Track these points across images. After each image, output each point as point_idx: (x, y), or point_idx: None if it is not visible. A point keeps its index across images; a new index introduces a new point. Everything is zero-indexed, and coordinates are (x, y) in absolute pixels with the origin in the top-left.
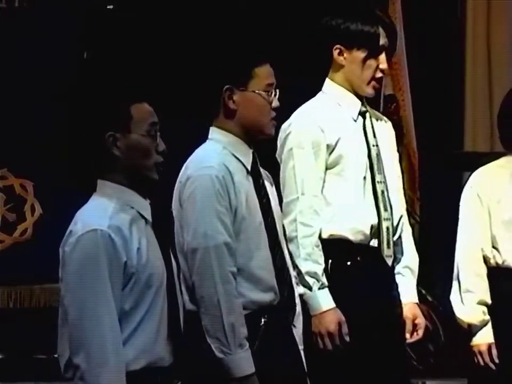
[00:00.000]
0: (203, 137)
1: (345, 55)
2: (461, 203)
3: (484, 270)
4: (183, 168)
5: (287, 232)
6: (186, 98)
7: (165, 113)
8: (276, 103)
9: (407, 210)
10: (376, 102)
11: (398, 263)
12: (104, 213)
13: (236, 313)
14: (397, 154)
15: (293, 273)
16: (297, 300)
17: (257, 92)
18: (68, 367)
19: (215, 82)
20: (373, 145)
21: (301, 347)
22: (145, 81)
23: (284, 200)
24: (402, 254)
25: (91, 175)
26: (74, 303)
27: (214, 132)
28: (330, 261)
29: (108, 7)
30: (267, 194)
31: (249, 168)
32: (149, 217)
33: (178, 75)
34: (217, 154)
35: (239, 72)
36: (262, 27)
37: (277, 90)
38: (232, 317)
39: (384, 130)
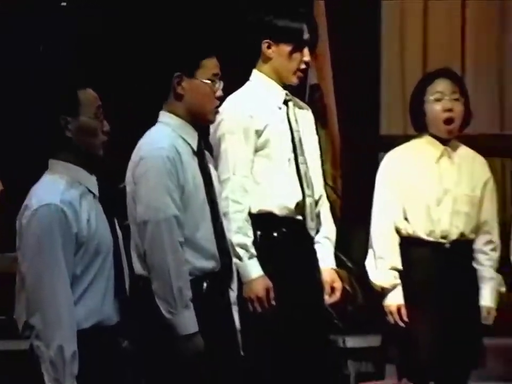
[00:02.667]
0: (143, 120)
1: (273, 48)
2: (376, 180)
3: (395, 240)
4: (136, 148)
5: (222, 208)
6: (138, 84)
7: (115, 97)
8: (219, 92)
9: (331, 186)
10: (302, 91)
11: (318, 233)
12: (56, 188)
13: (183, 278)
14: (316, 138)
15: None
16: (234, 267)
17: (203, 80)
18: (25, 327)
19: (167, 69)
20: (296, 131)
21: (236, 307)
22: (92, 68)
23: (221, 179)
24: (321, 226)
25: (45, 154)
26: (31, 270)
27: (163, 116)
28: (259, 232)
29: (62, 4)
30: (210, 173)
31: (195, 148)
32: (96, 192)
33: (131, 62)
34: (167, 136)
35: (189, 61)
36: (210, 24)
37: (221, 81)
38: (180, 282)
39: (305, 117)
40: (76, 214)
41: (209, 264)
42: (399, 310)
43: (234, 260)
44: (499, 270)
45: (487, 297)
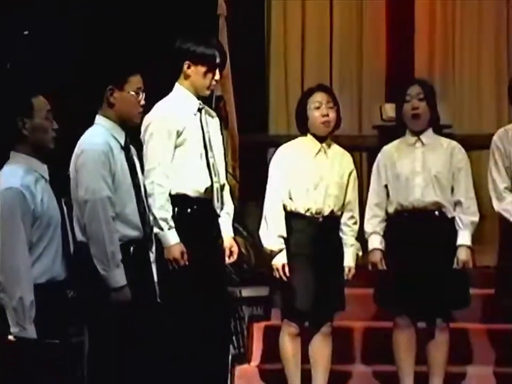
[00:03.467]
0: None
1: (192, 68)
2: (269, 168)
3: (282, 214)
4: (78, 144)
5: (147, 190)
6: (80, 93)
7: (62, 103)
8: (142, 102)
9: (231, 174)
10: (210, 100)
11: (221, 210)
12: (17, 175)
13: (115, 244)
14: (221, 138)
15: (151, 218)
16: (153, 235)
17: (130, 92)
18: None
19: (102, 83)
20: (206, 132)
21: (154, 265)
22: (42, 80)
23: (146, 168)
24: (224, 205)
25: (7, 148)
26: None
27: (99, 119)
28: (176, 209)
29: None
30: (134, 163)
31: (123, 144)
32: (47, 177)
33: (73, 77)
34: (102, 135)
35: (119, 78)
36: (137, 47)
37: (144, 93)
38: (112, 247)
39: (213, 122)
40: (32, 195)
41: (134, 233)
42: (283, 267)
43: (157, 230)
44: (357, 238)
45: (349, 259)
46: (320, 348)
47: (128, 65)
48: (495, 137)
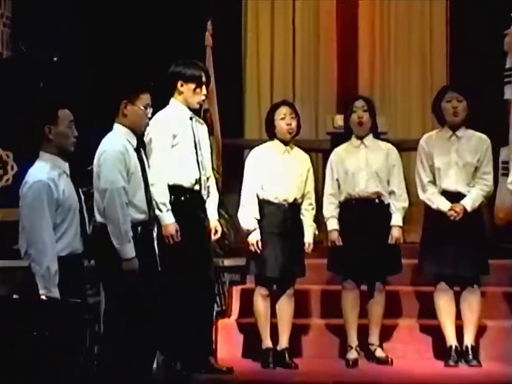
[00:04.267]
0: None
1: (184, 86)
2: (245, 165)
3: (256, 201)
4: (100, 144)
5: (150, 181)
6: (101, 106)
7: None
8: (149, 115)
9: (215, 169)
10: (199, 112)
11: (208, 197)
12: (44, 170)
13: (127, 224)
14: (208, 141)
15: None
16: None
17: (140, 107)
18: (25, 254)
19: (119, 98)
20: (196, 136)
21: (156, 241)
22: (67, 96)
23: (149, 163)
24: (210, 193)
25: (38, 149)
26: (28, 220)
27: (116, 126)
28: (172, 196)
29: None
30: (144, 162)
31: (135, 146)
32: (68, 172)
33: (98, 91)
34: (119, 138)
35: (132, 95)
36: (146, 71)
37: (151, 108)
38: (125, 226)
39: (202, 128)
40: (56, 186)
41: (142, 216)
42: (257, 243)
43: (158, 212)
44: (314, 220)
45: (308, 236)
46: (285, 306)
47: (139, 86)
48: (421, 141)
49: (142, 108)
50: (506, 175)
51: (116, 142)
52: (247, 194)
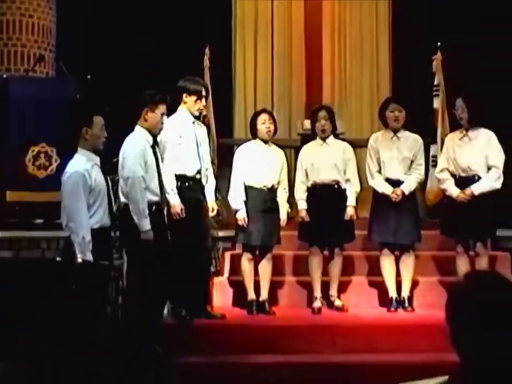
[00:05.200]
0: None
1: (188, 98)
2: (234, 159)
3: (242, 187)
4: (125, 142)
5: (162, 171)
6: (126, 112)
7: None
8: (164, 122)
9: (212, 162)
10: (199, 117)
11: (206, 184)
12: (80, 163)
13: (145, 204)
14: (207, 140)
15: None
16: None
17: (158, 114)
18: (66, 227)
19: (142, 107)
20: (197, 136)
21: (165, 217)
22: (101, 105)
23: (163, 157)
24: (208, 180)
25: (76, 146)
26: (68, 201)
27: (138, 128)
28: (178, 183)
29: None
30: (158, 156)
31: (151, 144)
32: (99, 164)
33: (122, 102)
34: (139, 138)
35: (152, 105)
36: (163, 88)
37: (166, 115)
38: (143, 205)
39: (202, 130)
40: (89, 175)
41: (155, 198)
42: (243, 219)
43: (167, 194)
44: (288, 201)
45: (283, 214)
46: (265, 267)
47: (159, 98)
48: (370, 140)
49: (160, 115)
50: (435, 166)
51: (137, 140)
52: (235, 181)
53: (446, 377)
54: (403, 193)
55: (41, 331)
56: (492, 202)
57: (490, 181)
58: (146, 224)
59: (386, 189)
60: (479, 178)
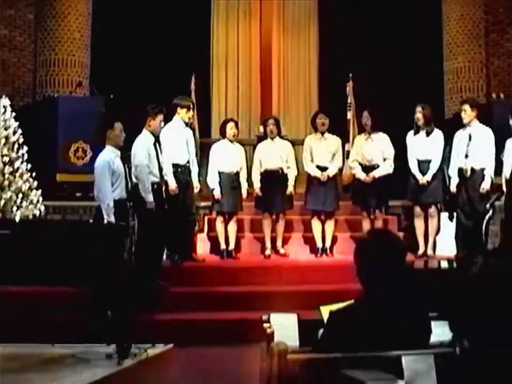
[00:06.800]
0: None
1: (180, 110)
2: (210, 152)
3: (217, 172)
4: (135, 141)
5: (162, 160)
6: (136, 119)
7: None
8: (162, 125)
9: (196, 155)
10: (188, 124)
11: (193, 169)
12: (107, 154)
13: (148, 183)
14: (193, 139)
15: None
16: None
17: (158, 121)
18: (96, 197)
19: (147, 116)
20: (187, 136)
21: (163, 193)
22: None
23: (162, 151)
24: (193, 167)
25: (104, 143)
26: (98, 180)
27: (144, 131)
28: (174, 169)
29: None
30: (158, 150)
31: (153, 142)
32: (119, 155)
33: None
34: (145, 138)
35: (154, 114)
36: (163, 102)
37: (164, 123)
38: (148, 185)
39: (189, 132)
40: (113, 163)
41: (156, 179)
42: (218, 194)
43: (165, 177)
44: (247, 181)
45: (244, 190)
46: (232, 227)
47: (159, 111)
48: (306, 140)
49: (159, 122)
50: (348, 158)
51: (144, 140)
52: (211, 168)
53: (352, 301)
54: (328, 175)
55: (91, 264)
56: (386, 182)
57: (386, 168)
58: (150, 197)
59: (317, 172)
60: (378, 166)
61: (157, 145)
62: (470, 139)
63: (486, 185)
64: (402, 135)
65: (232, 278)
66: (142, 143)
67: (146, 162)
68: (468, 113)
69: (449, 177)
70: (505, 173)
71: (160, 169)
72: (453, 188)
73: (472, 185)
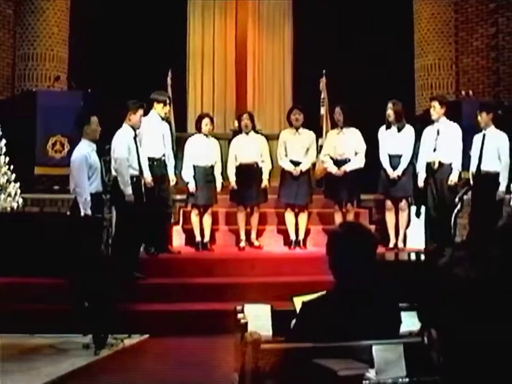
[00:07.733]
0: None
1: (157, 105)
2: (185, 146)
3: (191, 165)
4: (115, 136)
5: (140, 154)
6: (114, 113)
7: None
8: (142, 121)
9: (173, 149)
10: (165, 118)
11: (169, 163)
12: (83, 148)
13: (128, 176)
14: (169, 133)
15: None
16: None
17: (138, 116)
18: (73, 191)
19: (127, 110)
20: (163, 129)
21: (143, 185)
22: (96, 110)
23: (141, 145)
24: (169, 160)
25: (80, 137)
26: (75, 174)
27: (124, 125)
28: (150, 162)
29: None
30: (137, 144)
31: (133, 136)
32: (95, 149)
33: (113, 107)
34: (125, 132)
35: (135, 109)
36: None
37: (143, 116)
38: (127, 178)
39: (166, 126)
40: (89, 156)
41: (135, 172)
42: (192, 187)
43: (143, 170)
44: (222, 175)
45: (219, 184)
46: (207, 219)
47: (138, 106)
48: (280, 134)
49: (139, 116)
50: (320, 152)
51: (124, 134)
52: (187, 161)
53: (324, 292)
54: (301, 170)
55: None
56: (357, 176)
57: (357, 162)
58: (129, 190)
59: (290, 167)
60: (349, 160)
61: (137, 139)
62: (438, 133)
63: (453, 178)
64: (374, 130)
65: (207, 270)
66: (122, 137)
67: (126, 156)
68: (436, 110)
69: (417, 173)
70: (472, 168)
71: (139, 162)
72: (420, 183)
73: (440, 179)
